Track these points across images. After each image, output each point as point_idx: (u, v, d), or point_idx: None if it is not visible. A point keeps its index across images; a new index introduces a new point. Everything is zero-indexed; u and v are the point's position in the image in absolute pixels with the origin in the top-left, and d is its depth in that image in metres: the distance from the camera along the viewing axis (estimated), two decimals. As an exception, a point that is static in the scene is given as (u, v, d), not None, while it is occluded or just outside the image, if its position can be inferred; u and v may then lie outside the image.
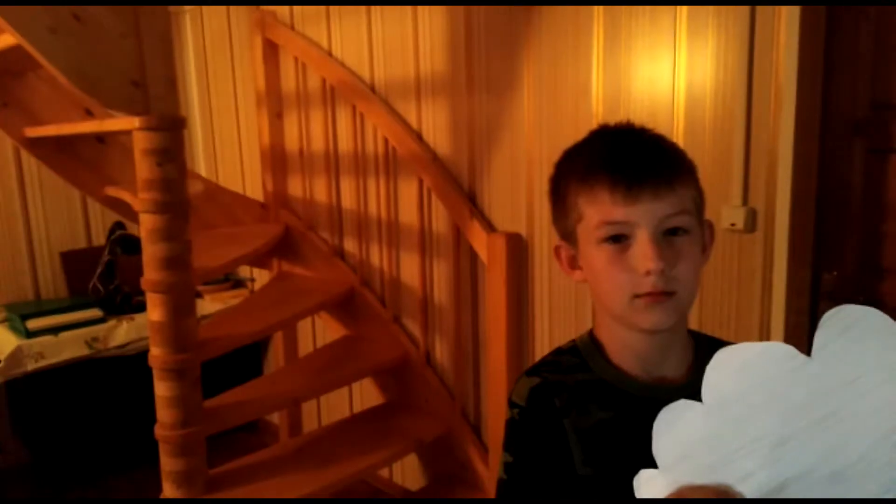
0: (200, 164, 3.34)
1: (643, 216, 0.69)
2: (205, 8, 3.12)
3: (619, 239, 0.70)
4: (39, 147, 2.23)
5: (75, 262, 3.09)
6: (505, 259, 1.95)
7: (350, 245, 2.53)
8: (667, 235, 0.70)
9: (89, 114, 2.24)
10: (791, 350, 0.49)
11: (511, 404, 0.78)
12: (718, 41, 1.55)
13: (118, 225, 2.98)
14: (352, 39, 2.39)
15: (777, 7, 1.45)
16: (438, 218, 2.22)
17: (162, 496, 1.81)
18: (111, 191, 2.18)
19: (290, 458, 2.07)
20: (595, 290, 0.75)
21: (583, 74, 1.79)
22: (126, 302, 2.91)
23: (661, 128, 1.81)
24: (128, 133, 1.70)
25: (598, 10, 1.74)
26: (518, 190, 1.98)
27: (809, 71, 1.48)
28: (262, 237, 2.39)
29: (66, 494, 2.78)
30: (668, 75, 1.64)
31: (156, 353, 1.73)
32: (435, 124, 2.19)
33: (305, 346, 2.85)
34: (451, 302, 2.22)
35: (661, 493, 0.51)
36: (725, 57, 1.54)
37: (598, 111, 1.77)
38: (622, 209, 0.69)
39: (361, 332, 2.48)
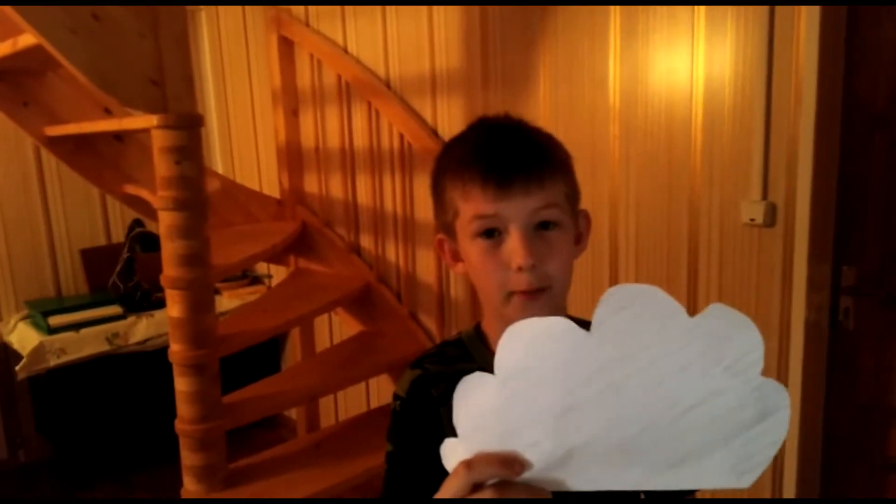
0: (217, 161, 3.37)
1: (514, 212, 0.70)
2: (220, 6, 3.14)
3: (491, 234, 0.71)
4: (59, 145, 2.25)
5: (95, 260, 3.13)
6: (521, 254, 1.95)
7: (366, 241, 2.53)
8: (538, 229, 0.71)
9: (108, 112, 2.26)
10: (572, 325, 0.51)
11: (394, 396, 0.81)
12: (738, 33, 1.53)
13: (137, 222, 3.01)
14: (367, 36, 2.40)
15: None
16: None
17: (182, 490, 1.83)
18: (130, 189, 2.21)
19: (307, 453, 2.08)
20: (475, 284, 0.77)
21: (599, 67, 1.78)
22: (145, 299, 2.94)
23: (678, 121, 1.80)
24: (146, 131, 1.72)
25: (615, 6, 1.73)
26: (534, 185, 1.98)
27: (830, 63, 1.46)
28: (279, 234, 2.41)
29: (87, 489, 2.82)
30: (686, 68, 1.62)
31: (175, 349, 1.74)
32: (450, 120, 2.19)
33: (322, 342, 2.86)
34: (466, 297, 2.23)
35: (461, 459, 0.54)
36: (745, 49, 1.52)
37: (614, 104, 1.76)
38: (493, 205, 0.70)
39: (378, 327, 2.48)
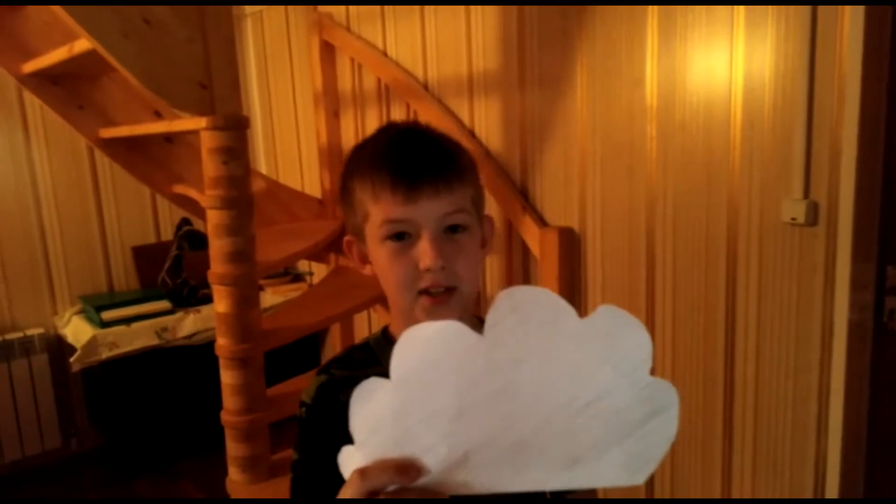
0: (261, 162, 3.45)
1: (423, 215, 0.71)
2: (265, 11, 3.22)
3: (402, 237, 0.72)
4: (112, 147, 2.34)
5: (145, 257, 3.24)
6: (557, 254, 1.96)
7: (405, 240, 2.56)
8: (447, 232, 0.72)
9: (158, 115, 2.35)
10: (464, 328, 0.52)
11: (300, 404, 0.80)
12: (778, 29, 1.51)
13: (185, 221, 3.11)
14: (406, 39, 2.43)
15: (840, -6, 1.42)
16: (491, 213, 2.21)
17: (227, 480, 1.89)
18: (179, 188, 2.29)
19: (347, 446, 2.12)
20: (384, 286, 0.77)
21: (637, 67, 1.78)
22: (192, 295, 3.03)
23: (717, 120, 1.79)
24: (195, 133, 1.78)
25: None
26: (571, 184, 1.99)
27: (875, 58, 1.43)
28: (320, 233, 2.46)
29: (136, 477, 2.92)
30: (725, 66, 1.61)
31: (221, 343, 1.80)
32: (487, 121, 2.21)
33: (361, 338, 2.90)
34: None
35: (356, 467, 0.53)
36: (786, 45, 1.51)
37: (652, 104, 1.76)
38: (403, 208, 0.71)
39: (416, 325, 2.51)
